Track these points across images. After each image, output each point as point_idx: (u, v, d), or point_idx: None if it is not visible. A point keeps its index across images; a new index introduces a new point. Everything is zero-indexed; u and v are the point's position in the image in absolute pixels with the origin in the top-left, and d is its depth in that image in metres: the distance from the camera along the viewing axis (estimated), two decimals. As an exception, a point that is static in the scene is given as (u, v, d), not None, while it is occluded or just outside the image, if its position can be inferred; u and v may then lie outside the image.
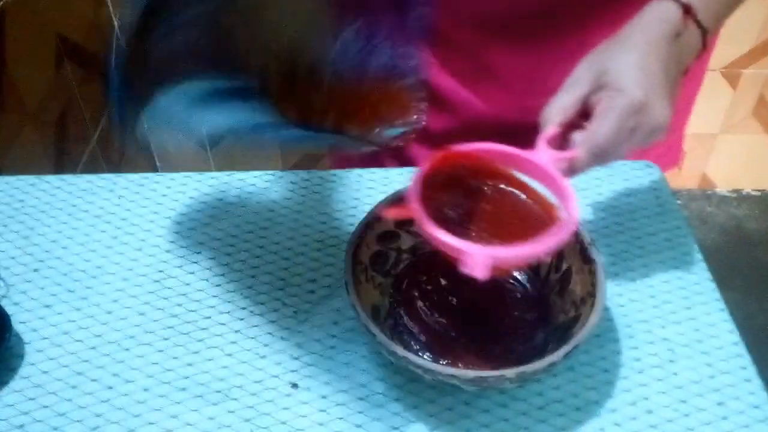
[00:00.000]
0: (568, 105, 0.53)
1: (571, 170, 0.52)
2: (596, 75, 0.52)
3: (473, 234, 0.53)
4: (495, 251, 0.45)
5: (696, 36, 0.55)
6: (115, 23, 1.49)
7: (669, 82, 0.52)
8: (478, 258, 0.44)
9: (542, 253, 0.47)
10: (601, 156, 0.51)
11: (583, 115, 0.53)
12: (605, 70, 0.52)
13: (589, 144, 0.51)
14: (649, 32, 0.53)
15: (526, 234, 0.49)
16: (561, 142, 0.54)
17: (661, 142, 0.53)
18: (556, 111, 0.53)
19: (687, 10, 0.54)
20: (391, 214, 0.50)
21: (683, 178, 1.88)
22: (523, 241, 0.47)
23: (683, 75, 0.56)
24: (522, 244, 0.47)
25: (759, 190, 1.90)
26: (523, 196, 0.53)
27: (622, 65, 0.52)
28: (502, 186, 0.54)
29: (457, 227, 0.48)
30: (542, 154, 0.52)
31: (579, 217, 0.49)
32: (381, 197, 0.58)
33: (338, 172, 0.73)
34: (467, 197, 0.54)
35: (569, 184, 0.50)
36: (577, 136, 0.52)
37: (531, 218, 0.52)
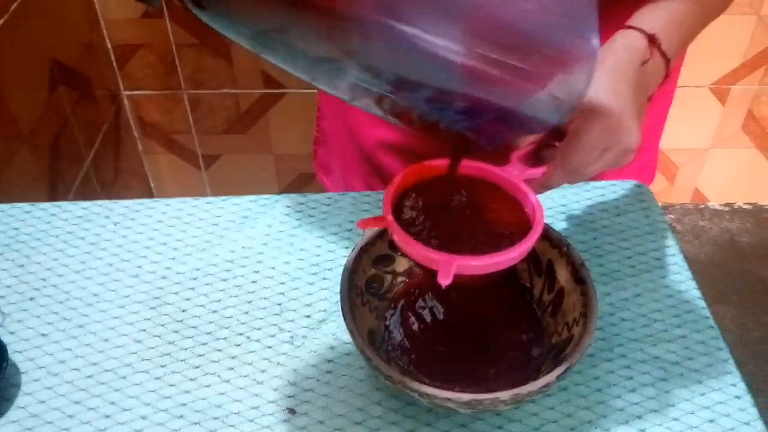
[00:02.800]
0: None
1: (542, 186, 0.53)
2: None
3: (447, 244, 0.53)
4: (458, 259, 0.46)
5: (660, 64, 0.57)
6: (109, 46, 1.50)
7: (636, 107, 0.53)
8: (442, 265, 0.46)
9: (505, 263, 0.48)
10: (571, 173, 0.52)
11: (555, 133, 0.54)
12: None
13: (560, 161, 0.52)
14: (619, 58, 0.54)
15: (498, 245, 0.50)
16: (533, 159, 0.55)
17: (635, 163, 0.54)
18: None
19: (652, 40, 0.55)
20: (366, 225, 0.51)
21: (676, 192, 1.89)
22: (493, 251, 0.48)
23: (648, 102, 0.57)
24: (486, 254, 0.48)
25: (750, 204, 1.91)
26: (498, 209, 0.54)
27: (595, 87, 0.53)
28: (478, 198, 0.55)
29: (433, 238, 0.49)
30: (514, 169, 0.53)
31: (541, 232, 0.49)
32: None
33: (333, 195, 0.74)
34: (442, 209, 0.54)
35: (538, 200, 0.51)
36: (549, 153, 0.53)
37: (504, 230, 0.53)
